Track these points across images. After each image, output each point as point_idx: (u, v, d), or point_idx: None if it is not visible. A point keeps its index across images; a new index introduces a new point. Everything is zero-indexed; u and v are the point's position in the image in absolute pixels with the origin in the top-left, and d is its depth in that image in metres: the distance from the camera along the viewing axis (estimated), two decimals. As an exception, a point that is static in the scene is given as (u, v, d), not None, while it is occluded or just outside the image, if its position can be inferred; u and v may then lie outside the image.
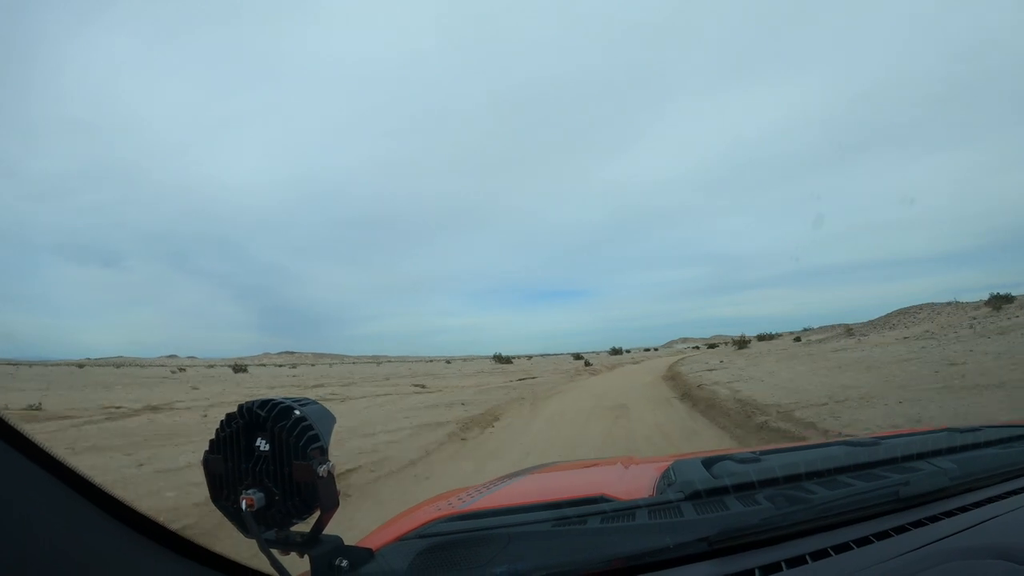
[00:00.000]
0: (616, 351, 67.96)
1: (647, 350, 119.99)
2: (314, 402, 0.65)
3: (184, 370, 48.59)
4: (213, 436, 0.64)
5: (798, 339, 44.10)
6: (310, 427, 0.60)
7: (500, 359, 45.37)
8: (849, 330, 42.71)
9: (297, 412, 0.61)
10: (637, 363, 36.26)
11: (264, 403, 0.62)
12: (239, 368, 42.21)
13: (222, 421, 0.64)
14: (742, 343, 42.13)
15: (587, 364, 32.80)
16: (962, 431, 1.19)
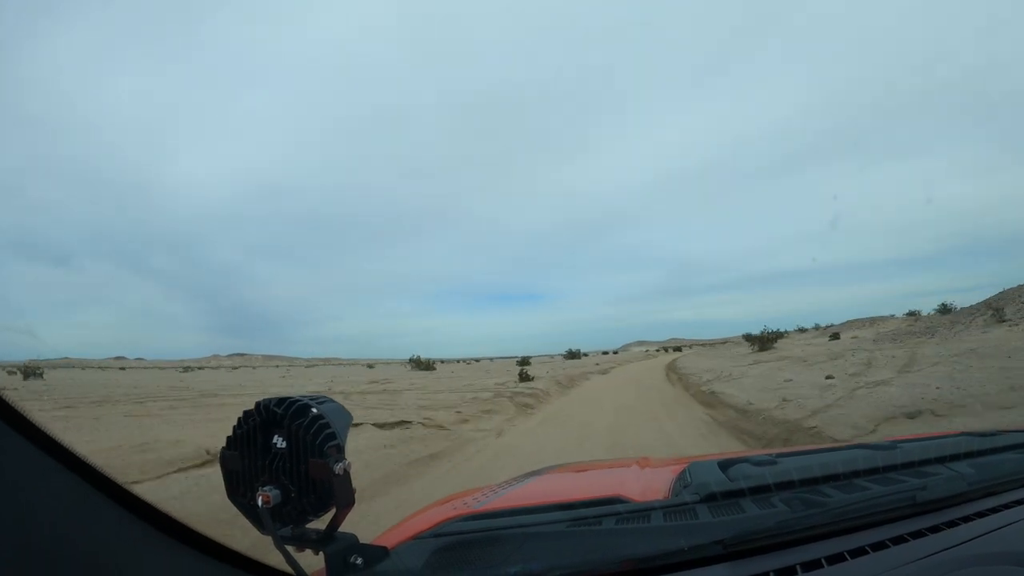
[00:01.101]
0: (573, 355, 52.16)
1: (605, 353, 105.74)
2: (331, 400, 0.65)
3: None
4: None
5: (836, 336, 32.76)
6: (327, 425, 0.61)
7: (420, 364, 35.33)
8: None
9: (314, 410, 0.61)
10: (605, 373, 23.55)
11: (281, 400, 0.63)
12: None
13: (239, 418, 0.64)
14: (765, 341, 28.26)
15: (524, 378, 16.32)
16: (979, 435, 1.17)
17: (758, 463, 0.97)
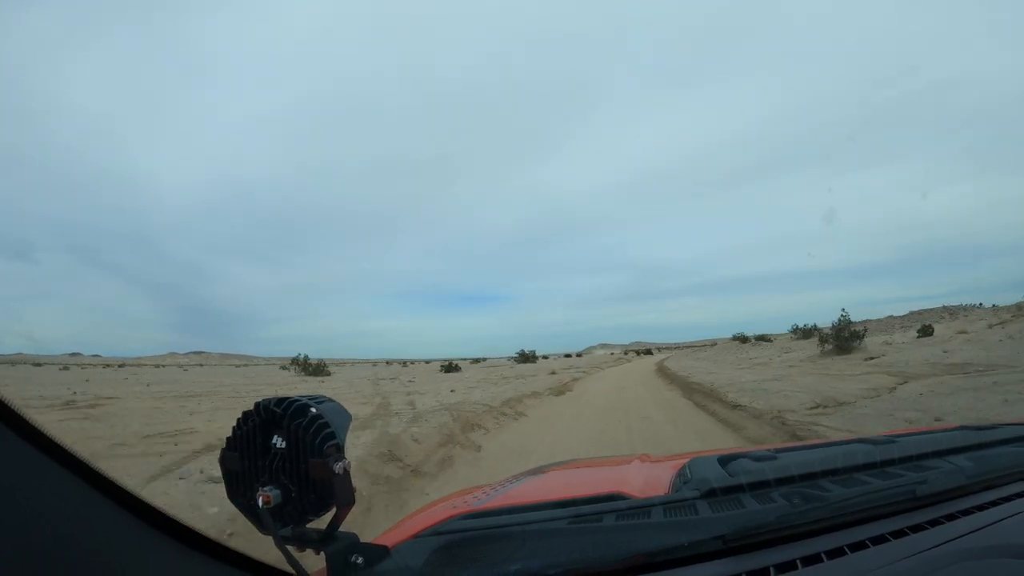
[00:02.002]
0: (527, 357, 40.63)
1: (567, 356, 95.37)
2: (330, 400, 0.65)
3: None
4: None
5: (928, 330, 21.59)
6: (326, 424, 0.61)
7: (301, 364, 28.44)
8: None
9: (313, 410, 0.61)
10: (560, 394, 12.49)
11: (280, 401, 0.63)
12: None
13: (239, 419, 0.64)
14: (847, 338, 17.32)
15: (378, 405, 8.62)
16: (978, 429, 1.17)
17: (758, 458, 0.97)
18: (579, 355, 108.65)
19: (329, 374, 27.10)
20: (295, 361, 29.36)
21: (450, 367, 28.39)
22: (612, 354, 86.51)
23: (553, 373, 21.46)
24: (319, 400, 0.64)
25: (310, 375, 26.50)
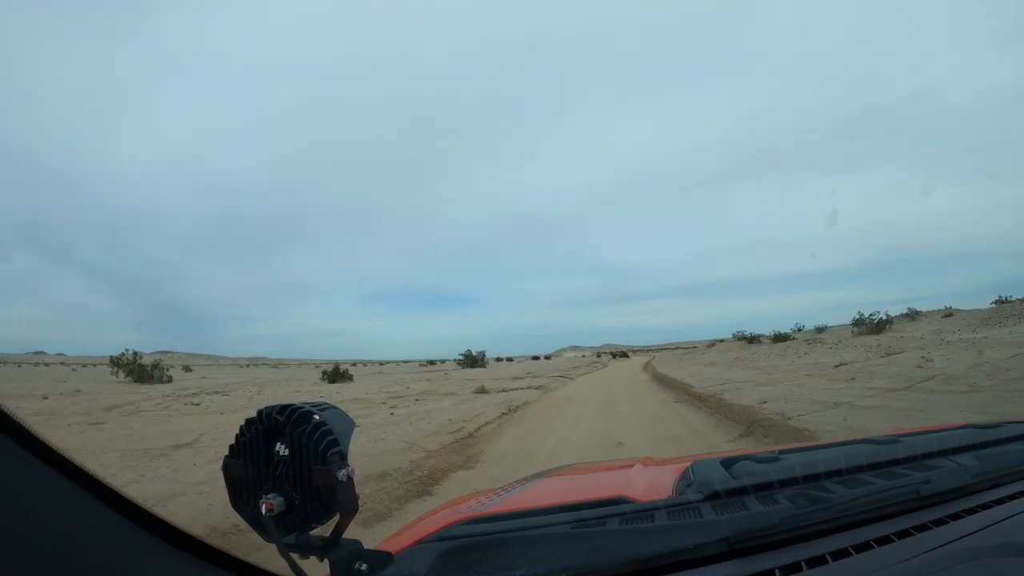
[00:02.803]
0: (474, 361, 35.27)
1: (535, 358, 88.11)
2: (333, 407, 0.65)
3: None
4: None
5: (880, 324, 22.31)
6: (329, 432, 0.61)
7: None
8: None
9: (316, 417, 0.61)
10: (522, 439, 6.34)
11: (283, 408, 0.63)
12: None
13: (241, 426, 0.64)
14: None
15: None
16: (982, 427, 1.17)
17: (761, 460, 0.96)
18: (548, 357, 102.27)
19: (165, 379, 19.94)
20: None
21: (337, 374, 21.22)
22: (583, 356, 73.85)
23: (480, 392, 13.04)
24: (322, 407, 0.64)
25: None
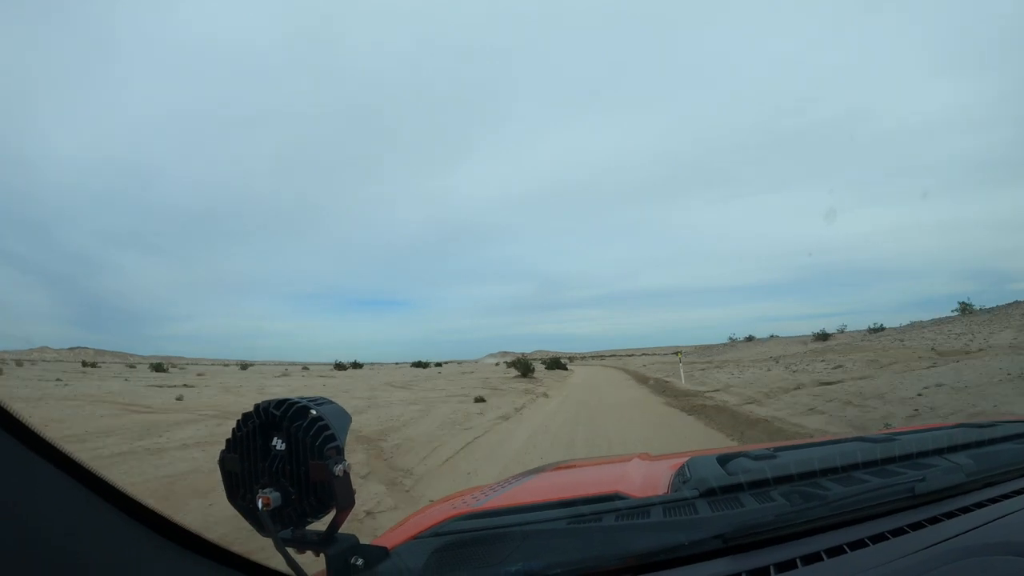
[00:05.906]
0: (343, 366, 32.17)
1: (461, 363, 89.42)
2: (330, 401, 0.65)
3: None
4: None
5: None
6: (326, 426, 0.61)
7: None
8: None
9: (313, 412, 0.62)
10: None
11: (280, 403, 0.63)
12: None
13: (238, 421, 0.64)
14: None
15: None
16: (977, 426, 1.17)
17: (757, 457, 0.97)
18: (476, 362, 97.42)
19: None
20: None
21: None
22: (496, 364, 56.54)
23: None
24: (319, 402, 0.64)
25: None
